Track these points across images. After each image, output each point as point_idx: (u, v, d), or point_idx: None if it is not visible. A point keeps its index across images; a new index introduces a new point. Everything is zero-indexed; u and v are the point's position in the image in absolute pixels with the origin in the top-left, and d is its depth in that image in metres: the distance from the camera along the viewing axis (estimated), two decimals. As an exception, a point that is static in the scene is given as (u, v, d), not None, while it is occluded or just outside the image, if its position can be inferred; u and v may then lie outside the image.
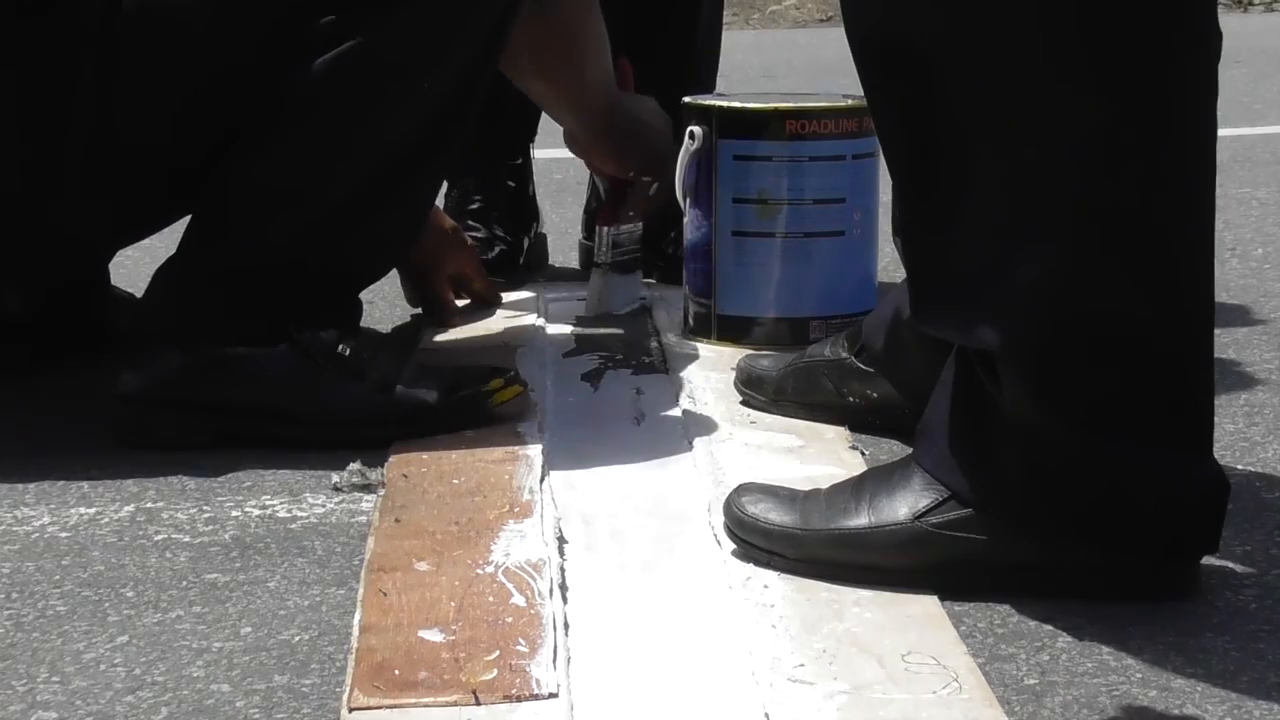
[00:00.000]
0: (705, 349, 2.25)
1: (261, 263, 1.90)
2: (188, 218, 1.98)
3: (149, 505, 1.74)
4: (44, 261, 1.99)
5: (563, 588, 1.48)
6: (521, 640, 1.36)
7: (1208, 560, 1.51)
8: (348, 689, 1.29)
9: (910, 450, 1.55)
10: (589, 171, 2.58)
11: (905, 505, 1.49)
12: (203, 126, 1.89)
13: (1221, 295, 2.13)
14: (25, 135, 1.86)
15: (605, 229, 2.44)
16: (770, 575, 1.51)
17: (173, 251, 1.97)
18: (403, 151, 1.92)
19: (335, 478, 1.78)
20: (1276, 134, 4.31)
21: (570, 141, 2.36)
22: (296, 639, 1.43)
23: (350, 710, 1.26)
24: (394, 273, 2.48)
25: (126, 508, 1.74)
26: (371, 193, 1.92)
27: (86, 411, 2.00)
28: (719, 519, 1.60)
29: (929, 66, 1.42)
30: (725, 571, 1.53)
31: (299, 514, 1.72)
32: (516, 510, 1.65)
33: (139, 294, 2.03)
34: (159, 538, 1.66)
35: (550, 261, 2.82)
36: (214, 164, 1.90)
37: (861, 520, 1.50)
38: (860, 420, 1.93)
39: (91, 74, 1.83)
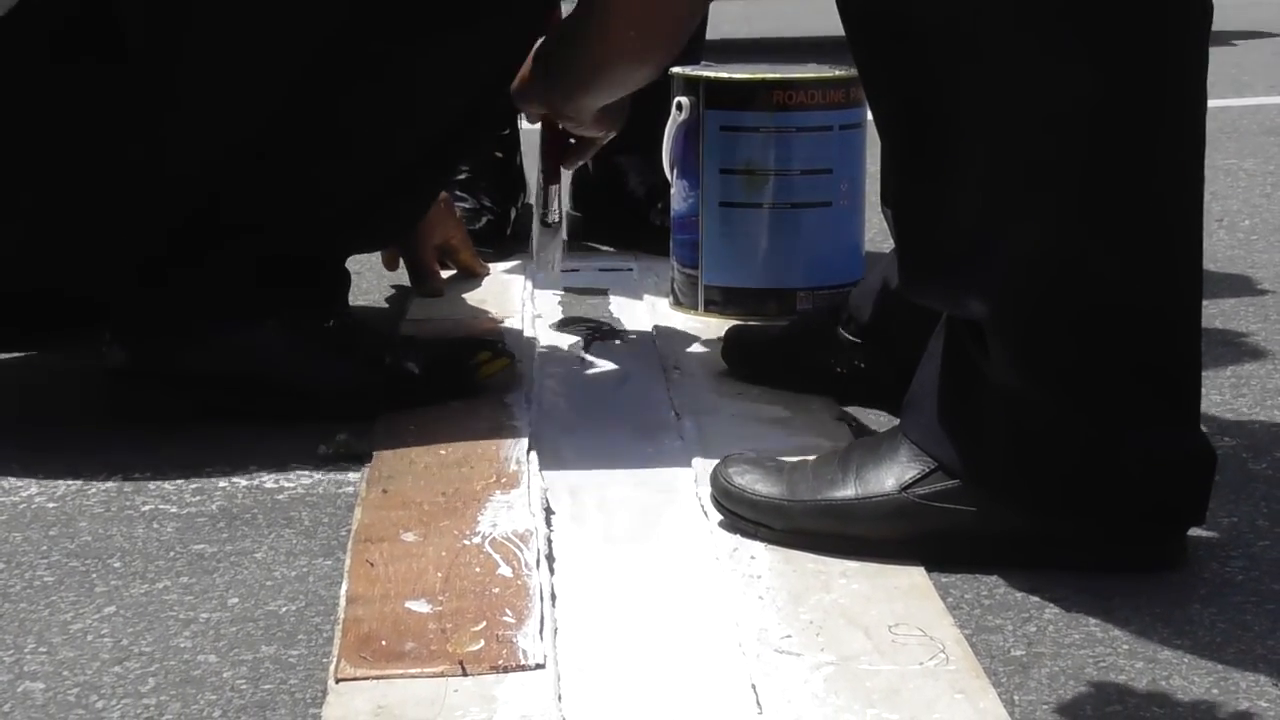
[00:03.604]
0: (692, 320, 2.25)
1: (257, 242, 1.89)
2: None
3: (136, 476, 1.74)
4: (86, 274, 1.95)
5: (550, 559, 1.48)
6: (508, 611, 1.36)
7: (1194, 531, 1.51)
8: (335, 660, 1.29)
9: (897, 421, 1.55)
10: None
11: (892, 476, 1.49)
12: (245, 156, 1.83)
13: (1209, 266, 2.13)
14: (71, 174, 1.81)
15: (554, 188, 2.16)
16: (757, 546, 1.52)
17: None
18: (437, 140, 1.92)
19: (322, 449, 1.78)
20: (1264, 105, 4.31)
21: (551, 98, 1.98)
22: (283, 610, 1.43)
23: (337, 681, 1.26)
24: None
25: (114, 478, 1.74)
26: (395, 184, 1.91)
27: (74, 384, 2.00)
28: (706, 490, 1.60)
29: (918, 36, 1.42)
30: (712, 543, 1.53)
31: (286, 485, 1.72)
32: (503, 481, 1.65)
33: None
34: (146, 508, 1.66)
35: (537, 232, 2.82)
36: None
37: (848, 491, 1.50)
38: (847, 391, 1.93)
39: (136, 109, 1.78)
